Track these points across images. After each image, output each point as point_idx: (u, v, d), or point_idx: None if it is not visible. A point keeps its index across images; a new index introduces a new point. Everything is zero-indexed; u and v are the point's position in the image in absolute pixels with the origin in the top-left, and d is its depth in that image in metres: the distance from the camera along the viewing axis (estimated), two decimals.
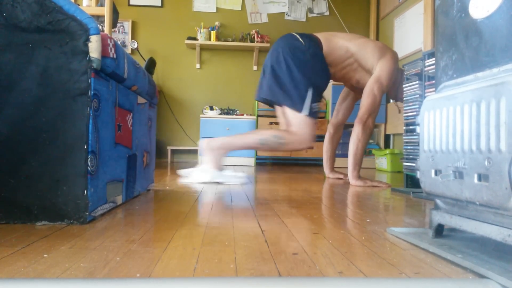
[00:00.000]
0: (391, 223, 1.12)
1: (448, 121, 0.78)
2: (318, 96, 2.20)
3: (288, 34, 2.30)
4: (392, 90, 2.45)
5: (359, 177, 2.22)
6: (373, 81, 2.23)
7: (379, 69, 2.23)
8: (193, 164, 3.99)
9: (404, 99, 2.05)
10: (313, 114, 2.17)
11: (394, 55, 2.31)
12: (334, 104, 4.06)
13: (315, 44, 2.22)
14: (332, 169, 2.71)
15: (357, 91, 2.54)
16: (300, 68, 2.15)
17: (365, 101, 2.22)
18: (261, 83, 2.27)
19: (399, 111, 3.63)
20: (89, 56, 1.00)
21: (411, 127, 1.98)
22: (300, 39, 2.21)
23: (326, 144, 2.69)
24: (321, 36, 2.29)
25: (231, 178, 2.18)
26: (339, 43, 2.28)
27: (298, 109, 2.13)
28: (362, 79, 2.34)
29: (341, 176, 2.60)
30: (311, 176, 2.83)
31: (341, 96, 2.64)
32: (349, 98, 2.63)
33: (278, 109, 2.30)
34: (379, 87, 2.21)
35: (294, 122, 2.14)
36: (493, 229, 0.68)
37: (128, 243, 0.82)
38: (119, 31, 4.47)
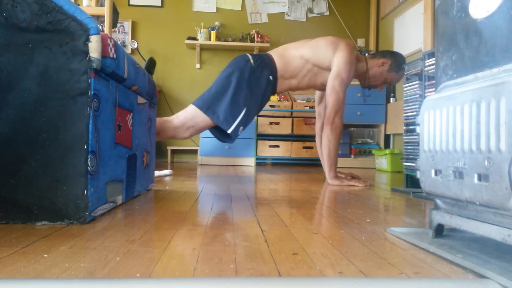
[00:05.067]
0: (391, 223, 1.12)
1: (448, 121, 0.78)
2: (247, 121, 2.25)
3: (241, 55, 2.36)
4: (361, 79, 2.45)
5: (336, 176, 2.23)
6: (332, 78, 2.22)
7: (336, 63, 2.23)
8: (193, 164, 3.99)
9: (404, 99, 2.05)
10: (234, 134, 2.21)
11: (348, 43, 2.30)
12: None
13: (266, 65, 2.27)
14: (331, 172, 2.67)
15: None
16: (241, 89, 2.20)
17: (329, 100, 2.22)
18: (204, 93, 2.29)
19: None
20: (89, 56, 1.00)
21: (411, 127, 1.98)
22: (251, 60, 2.27)
23: (319, 147, 2.66)
24: (274, 53, 2.35)
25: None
26: (292, 54, 2.32)
27: (224, 126, 2.17)
28: (326, 79, 2.34)
29: (342, 175, 2.58)
30: (311, 176, 2.83)
31: (317, 99, 2.64)
32: (322, 93, 2.63)
33: (193, 111, 2.24)
34: (339, 82, 2.21)
35: (192, 123, 2.19)
36: (493, 229, 0.68)
37: (128, 243, 0.82)
38: (119, 31, 4.47)
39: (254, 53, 4.44)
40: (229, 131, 2.17)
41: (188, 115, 2.19)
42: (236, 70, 2.23)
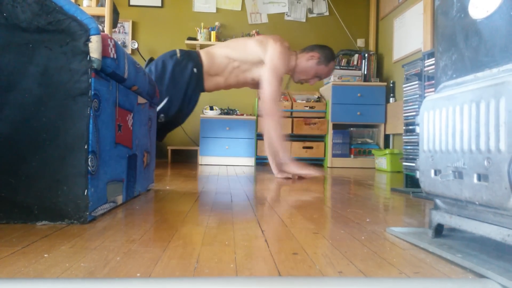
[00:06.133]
0: (391, 223, 1.12)
1: (448, 121, 0.78)
2: (169, 110, 2.36)
3: (171, 50, 2.49)
4: (291, 73, 2.49)
5: (293, 160, 2.30)
6: (266, 70, 2.28)
7: (269, 57, 2.29)
8: (193, 164, 3.98)
9: (404, 99, 2.05)
10: None
11: (275, 38, 2.37)
12: (334, 104, 4.06)
13: (191, 59, 2.37)
14: (280, 168, 2.62)
15: (258, 86, 2.59)
16: (163, 80, 2.34)
17: (265, 91, 2.27)
18: None
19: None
20: (90, 56, 1.00)
21: (410, 127, 1.98)
22: (177, 54, 2.40)
23: (267, 147, 2.61)
24: (202, 51, 2.46)
25: None
26: (218, 52, 2.42)
27: None
28: (255, 75, 2.40)
29: (290, 175, 2.52)
30: (314, 175, 2.83)
31: (258, 98, 2.71)
32: None
33: None
34: (273, 74, 2.26)
35: None
36: (493, 229, 0.68)
37: (128, 243, 0.82)
38: (119, 31, 4.47)
39: None
40: None
41: None
42: (159, 62, 2.38)
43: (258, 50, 2.34)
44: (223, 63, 2.40)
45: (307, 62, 2.43)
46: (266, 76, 2.28)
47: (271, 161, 2.65)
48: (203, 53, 2.44)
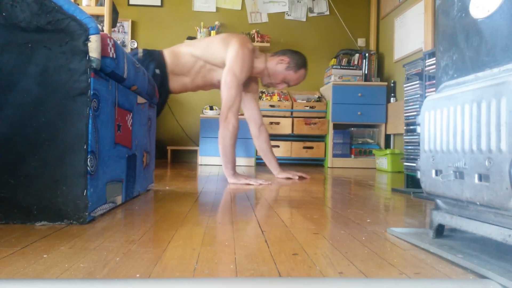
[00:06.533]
0: (392, 223, 1.12)
1: (449, 121, 0.78)
2: None
3: (134, 50, 2.42)
4: (260, 76, 2.41)
5: (233, 174, 2.18)
6: (225, 74, 2.18)
7: (228, 59, 2.20)
8: (193, 164, 3.98)
9: (405, 99, 2.05)
10: None
11: (240, 39, 2.26)
12: (334, 104, 4.06)
13: (153, 59, 2.27)
14: (278, 168, 2.60)
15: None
16: None
17: (222, 96, 2.18)
18: None
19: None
20: (89, 56, 1.00)
21: (411, 127, 1.98)
22: (139, 54, 2.29)
23: (259, 148, 2.61)
24: (166, 50, 2.36)
25: None
26: (182, 51, 2.31)
27: None
28: (221, 75, 2.31)
29: (290, 175, 2.52)
30: (311, 176, 2.83)
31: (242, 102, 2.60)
32: (246, 100, 2.57)
33: None
34: (231, 78, 2.16)
35: None
36: (494, 229, 0.68)
37: (127, 244, 0.82)
38: (118, 31, 4.47)
39: None
40: None
41: None
42: None
43: (220, 50, 2.23)
44: (189, 62, 2.29)
45: (276, 66, 2.35)
46: (224, 80, 2.18)
47: (268, 163, 2.62)
48: (167, 52, 2.33)
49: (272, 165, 2.61)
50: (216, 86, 2.41)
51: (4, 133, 0.97)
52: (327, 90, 4.27)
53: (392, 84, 4.06)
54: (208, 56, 2.26)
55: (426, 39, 3.31)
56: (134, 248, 0.79)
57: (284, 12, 4.65)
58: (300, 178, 2.51)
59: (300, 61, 2.37)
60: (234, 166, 2.21)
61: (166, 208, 1.29)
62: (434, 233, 0.88)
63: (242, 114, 4.25)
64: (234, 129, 2.17)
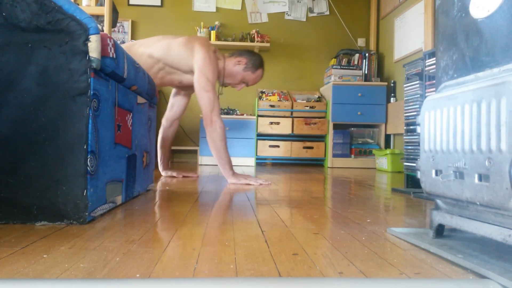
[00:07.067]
0: (392, 223, 1.12)
1: (449, 121, 0.78)
2: None
3: None
4: (219, 76, 2.42)
5: (233, 174, 2.19)
6: (198, 79, 2.18)
7: (197, 65, 2.19)
8: (193, 164, 3.98)
9: (405, 99, 2.05)
10: None
11: (202, 41, 2.26)
12: (334, 103, 4.06)
13: None
14: (167, 166, 2.61)
15: (185, 88, 2.52)
16: None
17: (201, 101, 2.18)
18: None
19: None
20: (89, 56, 1.00)
21: (411, 127, 1.98)
22: None
23: (160, 140, 2.61)
24: (123, 47, 2.30)
25: None
26: (139, 51, 2.25)
27: None
28: (183, 79, 2.31)
29: (174, 174, 2.51)
30: (311, 176, 2.83)
31: (173, 90, 2.62)
32: (182, 93, 2.61)
33: None
34: (206, 82, 2.16)
35: None
36: (494, 229, 0.68)
37: (127, 243, 0.82)
38: (118, 31, 4.47)
39: None
40: None
41: None
42: None
43: (183, 54, 2.21)
44: (146, 64, 2.23)
45: (234, 66, 2.36)
46: (199, 86, 2.17)
47: (159, 156, 2.61)
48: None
49: (164, 159, 2.62)
50: (175, 86, 2.42)
51: (4, 133, 0.97)
52: (327, 90, 4.27)
53: (392, 84, 4.06)
54: (170, 60, 2.23)
55: (426, 39, 3.31)
56: (134, 248, 0.79)
57: (284, 12, 4.65)
58: (184, 177, 2.49)
59: (257, 62, 2.38)
60: (231, 166, 2.21)
61: (166, 208, 1.29)
62: (434, 233, 0.88)
63: (242, 114, 4.25)
64: (222, 130, 2.17)
